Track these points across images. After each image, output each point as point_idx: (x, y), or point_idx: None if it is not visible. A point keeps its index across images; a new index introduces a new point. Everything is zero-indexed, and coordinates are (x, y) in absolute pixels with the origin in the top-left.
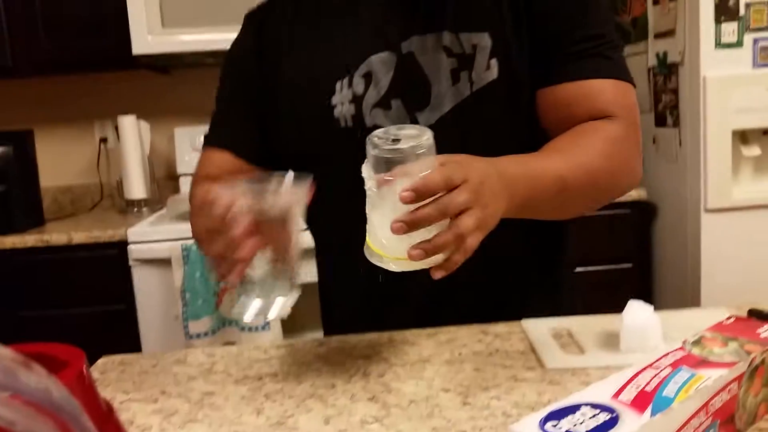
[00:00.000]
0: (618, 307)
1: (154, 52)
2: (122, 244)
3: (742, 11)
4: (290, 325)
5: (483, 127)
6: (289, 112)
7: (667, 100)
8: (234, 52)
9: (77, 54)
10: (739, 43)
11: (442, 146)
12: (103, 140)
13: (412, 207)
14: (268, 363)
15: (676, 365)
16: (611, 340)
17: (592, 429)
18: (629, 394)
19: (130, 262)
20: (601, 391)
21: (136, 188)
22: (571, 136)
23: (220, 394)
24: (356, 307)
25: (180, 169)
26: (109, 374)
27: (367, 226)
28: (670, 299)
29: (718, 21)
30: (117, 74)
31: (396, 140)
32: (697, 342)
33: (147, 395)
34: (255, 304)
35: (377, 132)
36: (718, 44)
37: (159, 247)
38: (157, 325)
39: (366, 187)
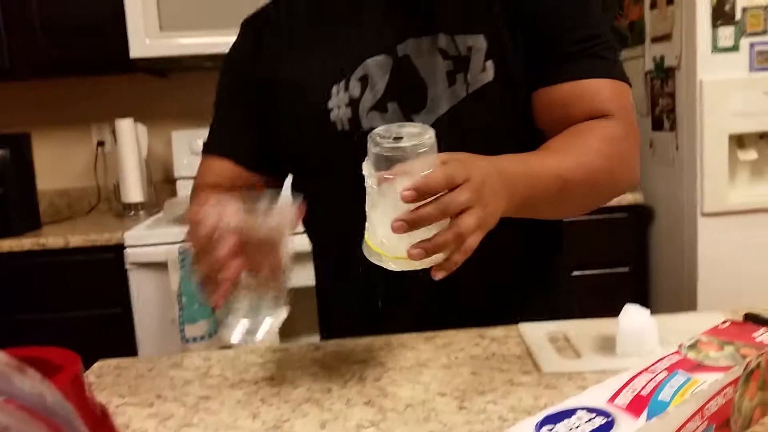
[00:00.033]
0: (614, 311)
1: (152, 56)
2: (119, 248)
3: (738, 15)
4: (287, 329)
5: (479, 128)
6: (288, 112)
7: (664, 104)
8: (232, 56)
9: (75, 57)
10: (735, 48)
11: (439, 148)
12: (101, 143)
13: (413, 206)
14: (264, 367)
15: (671, 369)
16: (607, 344)
17: None
18: (625, 398)
19: (127, 266)
20: (597, 395)
21: (134, 192)
22: (569, 136)
23: (215, 398)
24: (354, 310)
25: (177, 173)
26: (105, 378)
27: (367, 225)
28: (667, 303)
29: (714, 25)
30: (114, 77)
31: (398, 138)
32: (693, 346)
33: (143, 399)
34: (242, 324)
35: (379, 130)
36: (715, 48)
37: (156, 251)
38: (153, 329)
39: (366, 185)
